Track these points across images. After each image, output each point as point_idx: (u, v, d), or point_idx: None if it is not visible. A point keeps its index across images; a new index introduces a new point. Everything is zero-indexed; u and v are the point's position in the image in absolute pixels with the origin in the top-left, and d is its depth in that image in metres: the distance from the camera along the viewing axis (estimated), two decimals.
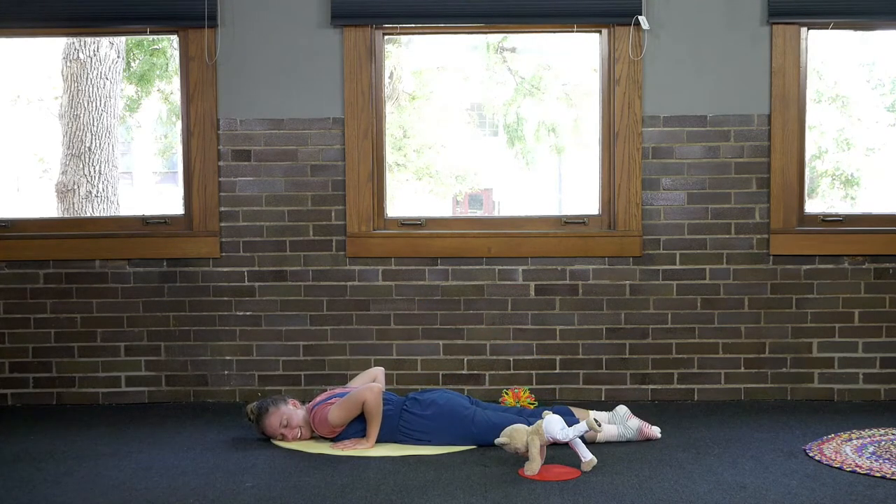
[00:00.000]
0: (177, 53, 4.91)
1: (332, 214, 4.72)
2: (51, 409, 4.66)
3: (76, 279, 4.73)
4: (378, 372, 4.16)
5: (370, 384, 3.85)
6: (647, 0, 4.61)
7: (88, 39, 7.20)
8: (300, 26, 4.68)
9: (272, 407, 3.93)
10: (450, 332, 4.72)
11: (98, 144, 7.44)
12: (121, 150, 8.24)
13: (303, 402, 4.04)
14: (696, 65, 4.65)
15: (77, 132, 7.42)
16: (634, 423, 3.88)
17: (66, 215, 7.21)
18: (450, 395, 3.94)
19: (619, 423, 3.87)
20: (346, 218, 4.69)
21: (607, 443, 3.79)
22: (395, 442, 3.84)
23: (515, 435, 3.43)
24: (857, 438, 3.86)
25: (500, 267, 4.71)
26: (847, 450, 3.68)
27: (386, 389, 4.06)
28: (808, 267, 4.66)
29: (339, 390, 4.00)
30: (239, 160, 4.72)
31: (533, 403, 4.24)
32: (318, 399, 3.96)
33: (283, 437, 3.90)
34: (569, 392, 4.70)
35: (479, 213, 10.55)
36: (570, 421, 3.60)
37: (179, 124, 4.87)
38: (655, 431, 3.90)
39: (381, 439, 3.83)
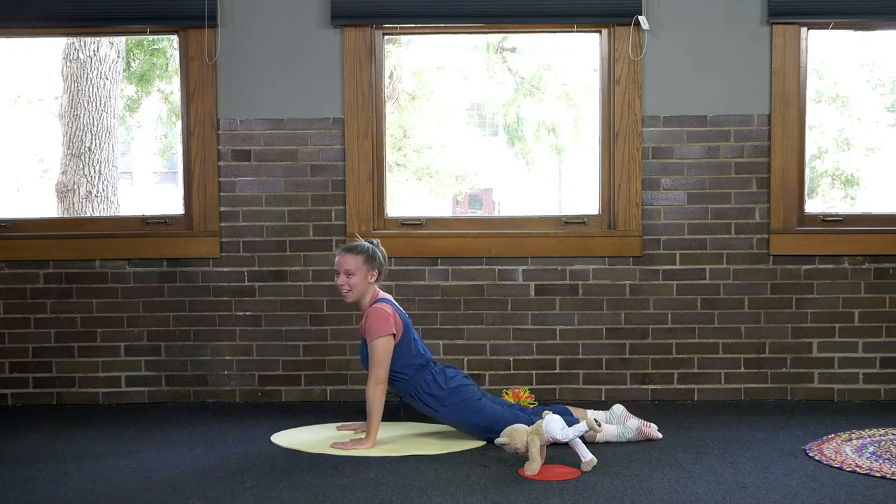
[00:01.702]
0: (177, 53, 4.91)
1: (332, 214, 4.72)
2: (51, 409, 4.66)
3: (76, 279, 4.73)
4: None
5: (382, 381, 3.83)
6: (647, 0, 4.61)
7: (88, 39, 7.20)
8: (300, 26, 4.68)
9: (364, 255, 3.90)
10: (450, 332, 4.72)
11: (98, 144, 7.43)
12: (121, 150, 8.23)
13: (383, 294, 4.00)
14: (696, 65, 4.65)
15: (77, 132, 7.41)
16: (633, 422, 3.88)
17: (66, 215, 7.20)
18: (469, 382, 3.96)
19: (616, 423, 3.87)
20: (346, 218, 4.69)
21: (607, 443, 3.80)
22: (408, 397, 3.93)
23: (515, 435, 3.43)
24: (857, 438, 3.86)
25: (500, 267, 4.70)
26: (847, 450, 3.68)
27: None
28: (808, 267, 4.66)
29: (411, 325, 3.99)
30: (239, 160, 4.72)
31: (533, 403, 4.24)
32: (396, 310, 3.92)
33: (337, 276, 3.93)
34: (569, 392, 4.70)
35: (479, 213, 10.54)
36: (570, 421, 3.60)
37: (179, 124, 4.88)
38: (655, 431, 3.90)
39: (400, 389, 3.91)
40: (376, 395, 3.80)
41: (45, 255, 4.72)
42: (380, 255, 3.96)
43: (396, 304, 4.00)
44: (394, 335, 3.85)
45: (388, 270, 4.06)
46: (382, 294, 3.99)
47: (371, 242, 3.99)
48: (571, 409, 3.96)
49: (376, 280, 3.95)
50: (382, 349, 3.83)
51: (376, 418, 3.80)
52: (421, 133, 9.26)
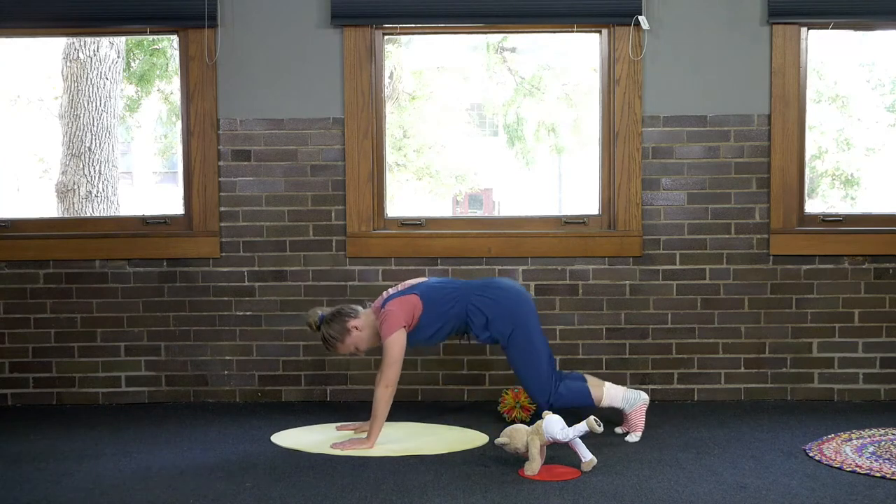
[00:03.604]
0: (177, 53, 4.91)
1: (332, 214, 4.72)
2: (51, 409, 4.66)
3: (76, 279, 4.73)
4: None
5: (391, 383, 3.80)
6: (647, 0, 4.61)
7: (88, 39, 7.20)
8: (300, 26, 4.68)
9: (335, 340, 3.89)
10: None
11: (98, 144, 7.44)
12: (121, 150, 8.23)
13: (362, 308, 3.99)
14: (696, 65, 4.65)
15: (77, 132, 7.41)
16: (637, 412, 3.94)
17: (66, 215, 7.20)
18: (510, 288, 4.00)
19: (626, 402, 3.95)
20: (346, 218, 4.69)
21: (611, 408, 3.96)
22: (461, 331, 3.98)
23: (515, 435, 3.43)
24: (857, 438, 3.86)
25: (500, 267, 4.70)
26: (847, 450, 3.68)
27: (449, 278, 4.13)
28: (808, 267, 4.66)
29: (429, 283, 4.00)
30: (239, 160, 4.72)
31: (533, 404, 4.24)
32: (403, 295, 3.92)
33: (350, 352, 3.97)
34: None
35: (479, 213, 10.54)
36: (577, 421, 3.63)
37: (179, 124, 4.88)
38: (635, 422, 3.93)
39: (449, 332, 3.96)
40: (384, 398, 3.78)
41: (45, 255, 4.72)
42: (337, 314, 3.89)
43: (400, 289, 3.97)
44: (405, 326, 3.84)
45: (352, 306, 3.98)
46: (380, 298, 3.98)
47: (321, 318, 3.92)
48: (588, 377, 4.01)
49: (363, 321, 3.90)
50: (395, 346, 3.81)
51: (380, 420, 3.79)
52: (421, 133, 9.26)
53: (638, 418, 3.90)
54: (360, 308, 3.99)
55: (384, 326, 3.84)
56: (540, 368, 3.90)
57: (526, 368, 3.91)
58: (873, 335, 4.66)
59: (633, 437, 3.87)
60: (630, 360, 4.69)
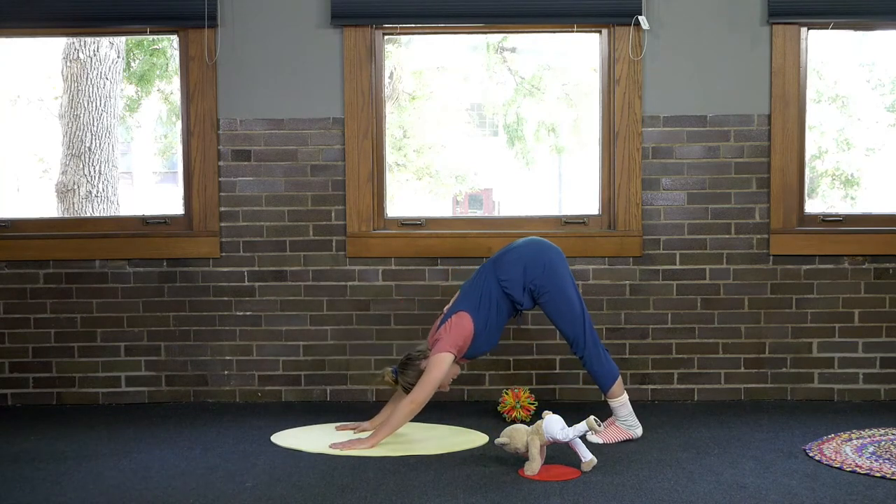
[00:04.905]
0: (177, 53, 4.91)
1: (332, 214, 4.72)
2: (51, 409, 4.66)
3: (76, 279, 4.73)
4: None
5: (418, 403, 3.75)
6: (647, 0, 4.61)
7: (88, 39, 7.20)
8: (300, 26, 4.68)
9: (407, 383, 3.84)
10: None
11: (98, 144, 7.43)
12: (121, 150, 8.23)
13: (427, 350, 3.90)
14: (696, 65, 4.65)
15: (77, 132, 7.41)
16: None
17: (66, 215, 7.20)
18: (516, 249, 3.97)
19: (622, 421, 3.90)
20: (346, 218, 4.69)
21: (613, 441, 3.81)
22: (513, 312, 3.94)
23: (515, 435, 3.43)
24: (857, 438, 3.86)
25: None
26: (847, 450, 3.68)
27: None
28: (808, 267, 4.66)
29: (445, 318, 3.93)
30: (239, 160, 4.72)
31: (533, 404, 4.25)
32: (442, 332, 3.86)
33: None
34: (569, 392, 4.70)
35: (479, 213, 10.53)
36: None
37: (179, 124, 4.88)
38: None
39: (502, 317, 3.92)
40: (404, 412, 3.76)
41: (45, 255, 4.72)
42: (407, 362, 3.87)
43: (444, 313, 3.94)
44: (454, 350, 3.79)
45: (417, 349, 3.94)
46: (435, 323, 3.95)
47: (394, 371, 3.90)
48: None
49: (426, 358, 3.83)
50: (436, 368, 3.75)
51: (389, 429, 3.78)
52: (421, 133, 9.25)
53: (615, 433, 3.86)
54: (424, 347, 3.94)
55: (433, 349, 3.82)
56: (573, 313, 3.85)
57: (559, 315, 3.87)
58: (873, 335, 4.66)
59: (596, 438, 3.79)
60: (630, 360, 4.69)
